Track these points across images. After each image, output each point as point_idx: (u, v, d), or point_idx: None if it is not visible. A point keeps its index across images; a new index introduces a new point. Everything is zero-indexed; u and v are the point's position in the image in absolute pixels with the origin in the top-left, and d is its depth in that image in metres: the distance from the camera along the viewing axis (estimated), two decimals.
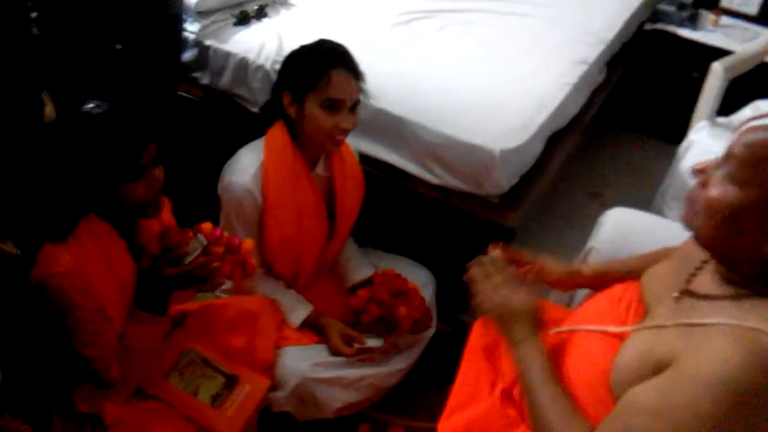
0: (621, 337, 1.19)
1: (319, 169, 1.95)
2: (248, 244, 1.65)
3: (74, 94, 1.94)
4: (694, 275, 1.18)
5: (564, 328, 1.37)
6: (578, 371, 1.23)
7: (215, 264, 1.57)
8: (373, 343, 1.98)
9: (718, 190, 1.03)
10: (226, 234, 1.62)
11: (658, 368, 1.04)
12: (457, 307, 2.44)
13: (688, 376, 0.98)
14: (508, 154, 2.10)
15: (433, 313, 2.20)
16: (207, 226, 1.61)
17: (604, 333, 1.23)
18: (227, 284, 2.00)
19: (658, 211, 2.39)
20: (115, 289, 1.52)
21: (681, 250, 1.31)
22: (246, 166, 1.84)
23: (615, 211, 1.97)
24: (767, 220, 0.99)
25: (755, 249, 1.01)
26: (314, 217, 1.94)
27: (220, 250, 1.58)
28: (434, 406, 2.15)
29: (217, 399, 1.70)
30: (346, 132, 1.82)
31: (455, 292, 2.37)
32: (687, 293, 1.15)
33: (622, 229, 1.89)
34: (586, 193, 3.22)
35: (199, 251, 1.56)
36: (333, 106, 1.77)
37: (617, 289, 1.35)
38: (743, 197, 1.00)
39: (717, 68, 2.65)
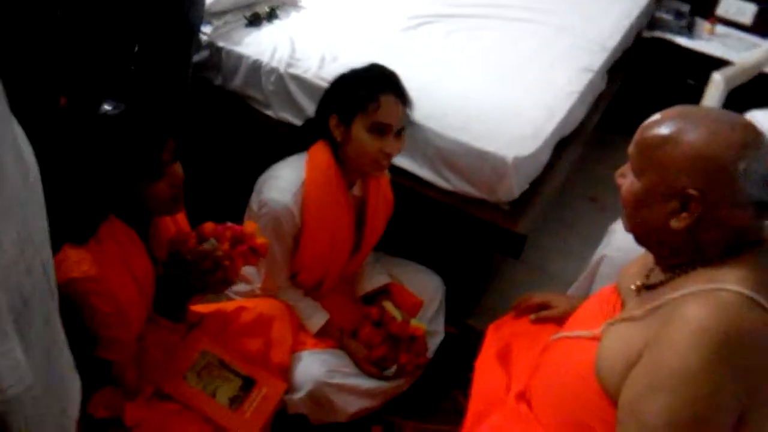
0: (597, 338, 1.29)
1: (356, 190, 1.97)
2: (250, 227, 1.65)
3: (89, 95, 1.93)
4: (651, 270, 1.31)
5: (561, 334, 1.46)
6: (571, 370, 1.32)
7: (226, 262, 1.58)
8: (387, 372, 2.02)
9: (627, 185, 1.23)
10: (227, 224, 1.63)
11: (640, 355, 1.15)
12: (464, 311, 2.47)
13: (666, 344, 1.09)
14: (520, 162, 2.13)
15: (442, 317, 2.24)
16: (209, 226, 1.62)
17: (582, 337, 1.34)
18: (242, 286, 2.03)
19: None
20: (134, 291, 1.53)
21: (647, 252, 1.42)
22: (287, 185, 1.84)
23: None
24: (663, 198, 1.16)
25: (664, 225, 1.17)
26: (345, 235, 1.96)
27: (226, 246, 1.59)
28: (443, 409, 2.20)
29: (234, 401, 1.72)
30: (390, 157, 1.84)
31: (463, 296, 2.42)
32: (643, 286, 1.29)
33: (632, 238, 1.92)
34: (587, 199, 3.27)
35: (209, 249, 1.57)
36: (380, 130, 1.78)
37: (606, 291, 1.46)
38: (642, 184, 1.19)
39: (717, 78, 2.70)
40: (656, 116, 1.22)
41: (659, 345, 1.11)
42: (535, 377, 1.45)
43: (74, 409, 0.90)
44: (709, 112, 1.20)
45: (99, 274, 1.43)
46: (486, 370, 1.63)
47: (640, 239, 1.28)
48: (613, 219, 2.04)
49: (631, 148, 1.23)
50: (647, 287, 1.28)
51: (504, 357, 1.65)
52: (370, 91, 1.78)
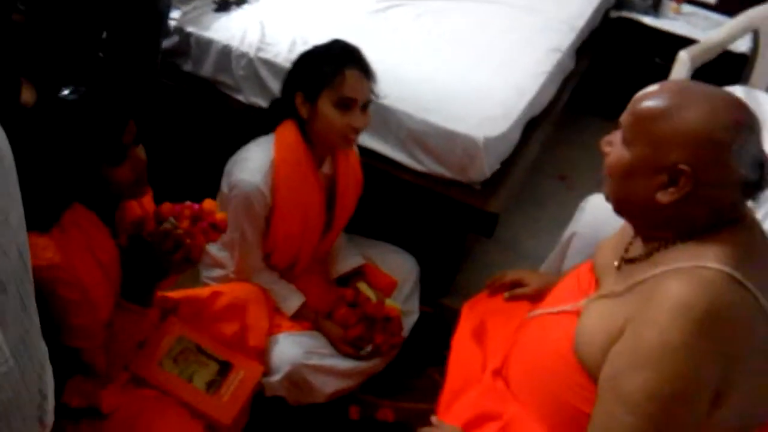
0: (578, 312, 1.30)
1: (325, 168, 1.97)
2: (208, 204, 1.63)
3: (55, 81, 1.91)
4: (630, 244, 1.33)
5: (538, 311, 1.48)
6: (549, 347, 1.34)
7: (187, 240, 1.56)
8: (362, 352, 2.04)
9: (614, 154, 1.22)
10: (186, 203, 1.60)
11: (622, 331, 1.16)
12: (439, 291, 2.50)
13: (647, 320, 1.11)
14: (491, 142, 2.16)
15: (416, 297, 2.27)
16: (166, 206, 1.60)
17: (563, 312, 1.35)
18: (217, 271, 2.03)
19: None
20: (100, 277, 1.51)
21: (624, 226, 1.44)
22: (256, 165, 1.85)
23: (595, 197, 2.03)
24: (653, 171, 1.15)
25: (649, 198, 1.17)
26: (316, 214, 1.97)
27: (186, 224, 1.57)
28: (418, 387, 2.24)
29: (212, 386, 1.72)
30: (358, 131, 1.84)
31: (437, 275, 2.45)
32: (623, 261, 1.30)
33: (603, 215, 1.94)
34: (556, 177, 3.31)
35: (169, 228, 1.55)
36: (346, 105, 1.79)
37: (583, 269, 1.47)
38: (632, 155, 1.18)
39: (683, 57, 2.74)
40: (654, 87, 1.20)
41: (641, 321, 1.13)
42: (512, 354, 1.47)
43: (51, 396, 0.90)
44: (707, 90, 1.18)
45: (64, 262, 1.41)
46: (462, 348, 1.65)
47: (621, 209, 1.28)
48: (581, 197, 2.08)
49: (624, 117, 1.22)
50: (627, 261, 1.29)
51: (479, 335, 1.67)
52: (335, 66, 1.78)
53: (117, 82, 2.11)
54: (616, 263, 1.32)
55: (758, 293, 1.10)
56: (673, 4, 3.53)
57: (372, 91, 1.86)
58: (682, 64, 2.73)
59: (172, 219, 1.56)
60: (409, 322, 2.18)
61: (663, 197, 1.15)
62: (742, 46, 3.20)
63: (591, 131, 3.65)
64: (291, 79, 1.88)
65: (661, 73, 3.02)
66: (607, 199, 1.29)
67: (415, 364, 2.28)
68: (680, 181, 1.13)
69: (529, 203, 3.06)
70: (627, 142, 1.20)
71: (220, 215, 1.63)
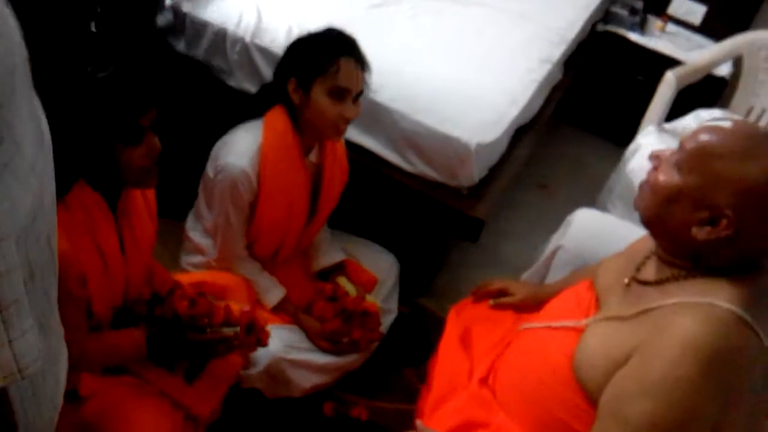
0: (580, 330, 1.31)
1: (312, 156, 1.96)
2: (263, 321, 1.73)
3: (48, 54, 1.85)
4: (643, 264, 1.34)
5: (532, 324, 1.48)
6: (545, 362, 1.35)
7: (236, 342, 1.64)
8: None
9: (666, 174, 1.21)
10: (245, 308, 1.69)
11: (628, 357, 1.18)
12: (416, 291, 2.51)
13: (658, 351, 1.13)
14: (482, 148, 2.16)
15: (396, 296, 2.27)
16: (235, 308, 1.67)
17: (566, 328, 1.36)
18: (198, 258, 2.01)
19: (603, 209, 2.51)
20: (100, 267, 1.48)
21: (631, 247, 1.46)
22: (243, 149, 1.82)
23: (582, 211, 2.06)
24: (698, 205, 1.16)
25: (684, 227, 1.18)
26: (301, 202, 1.95)
27: (242, 334, 1.65)
28: (394, 387, 2.24)
29: (191, 376, 1.70)
30: (348, 121, 1.83)
31: (416, 276, 2.46)
32: (635, 281, 1.31)
33: (589, 230, 1.99)
34: (535, 186, 3.34)
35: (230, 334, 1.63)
36: (339, 94, 1.77)
37: (581, 288, 1.47)
38: (684, 182, 1.17)
39: (670, 77, 2.79)
40: (726, 123, 1.19)
41: (650, 351, 1.14)
42: (501, 364, 1.48)
43: (63, 383, 0.89)
44: None
45: (63, 246, 1.37)
46: (449, 353, 1.66)
47: (650, 225, 1.27)
48: (561, 206, 2.11)
49: (687, 142, 1.20)
50: (638, 281, 1.31)
51: (465, 341, 1.69)
52: (330, 54, 1.76)
53: (143, 64, 2.05)
54: (626, 281, 1.33)
55: (763, 335, 1.12)
56: (659, 23, 3.58)
57: (365, 83, 1.85)
58: (668, 84, 2.79)
59: (237, 329, 1.63)
60: (387, 321, 2.18)
61: (698, 233, 1.17)
62: (722, 70, 3.27)
63: (571, 142, 3.71)
64: (284, 64, 1.85)
65: (642, 90, 3.09)
66: (637, 209, 1.29)
67: (392, 363, 2.28)
68: (721, 223, 1.14)
69: (510, 209, 3.09)
70: (681, 167, 1.19)
71: (266, 332, 1.72)
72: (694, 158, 1.17)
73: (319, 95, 1.77)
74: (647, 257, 1.34)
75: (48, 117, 0.77)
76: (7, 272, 0.61)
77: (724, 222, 1.13)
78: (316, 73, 1.76)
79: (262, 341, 1.70)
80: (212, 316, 1.63)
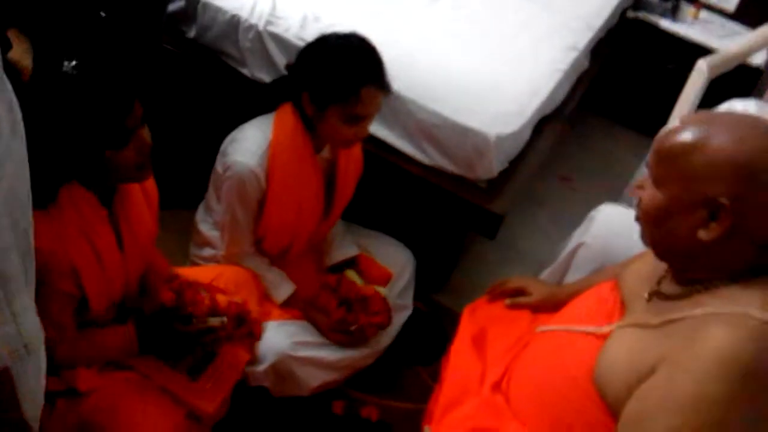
0: (603, 337, 1.24)
1: (325, 153, 1.91)
2: (255, 313, 1.73)
3: (55, 41, 1.81)
4: (663, 278, 1.26)
5: (551, 327, 1.42)
6: (563, 369, 1.28)
7: (224, 342, 1.66)
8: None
9: (647, 197, 1.17)
10: (237, 300, 1.69)
11: (653, 369, 1.10)
12: (433, 287, 2.45)
13: (687, 365, 1.05)
14: (502, 140, 2.09)
15: (411, 292, 2.21)
16: (222, 299, 1.66)
17: (587, 333, 1.29)
18: (207, 250, 1.98)
19: (628, 204, 2.42)
20: (95, 265, 1.45)
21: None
22: (253, 147, 1.77)
23: (606, 207, 1.98)
24: (690, 208, 1.10)
25: (691, 237, 1.11)
26: (313, 200, 1.90)
27: (230, 325, 1.64)
28: (406, 386, 2.19)
29: (195, 372, 1.67)
30: (362, 139, 1.80)
31: (433, 272, 2.39)
32: (656, 294, 1.24)
33: (613, 227, 1.90)
34: (558, 177, 3.25)
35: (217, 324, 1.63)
36: (356, 119, 1.72)
37: (604, 289, 1.40)
38: (665, 195, 1.13)
39: (702, 66, 2.67)
40: (675, 124, 1.15)
41: (678, 365, 1.07)
42: (516, 369, 1.42)
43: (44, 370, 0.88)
44: (731, 118, 1.14)
45: (55, 247, 1.36)
46: (461, 356, 1.59)
47: (663, 254, 1.21)
48: (584, 200, 2.03)
49: (650, 158, 1.17)
50: (659, 296, 1.23)
51: (479, 342, 1.62)
52: (352, 83, 1.67)
53: (122, 56, 2.01)
54: (646, 295, 1.26)
55: None
56: (692, 9, 3.47)
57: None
58: (700, 73, 2.67)
59: (224, 319, 1.62)
60: (402, 317, 2.13)
61: (705, 235, 1.10)
62: (757, 58, 3.15)
63: (597, 133, 3.61)
64: (300, 74, 1.76)
65: (672, 79, 2.98)
66: (647, 244, 1.23)
67: (405, 361, 2.23)
68: (721, 215, 1.07)
69: (530, 202, 3.01)
70: (658, 182, 1.15)
71: (260, 327, 1.76)
72: (662, 167, 1.14)
73: (335, 119, 1.72)
74: (668, 270, 1.26)
75: (31, 124, 0.75)
76: (5, 249, 0.63)
77: (723, 211, 1.07)
78: (335, 99, 1.69)
79: (255, 334, 1.69)
80: (196, 306, 1.62)
